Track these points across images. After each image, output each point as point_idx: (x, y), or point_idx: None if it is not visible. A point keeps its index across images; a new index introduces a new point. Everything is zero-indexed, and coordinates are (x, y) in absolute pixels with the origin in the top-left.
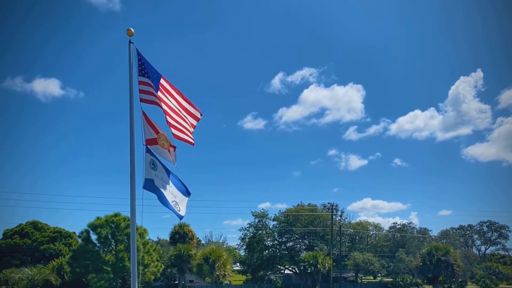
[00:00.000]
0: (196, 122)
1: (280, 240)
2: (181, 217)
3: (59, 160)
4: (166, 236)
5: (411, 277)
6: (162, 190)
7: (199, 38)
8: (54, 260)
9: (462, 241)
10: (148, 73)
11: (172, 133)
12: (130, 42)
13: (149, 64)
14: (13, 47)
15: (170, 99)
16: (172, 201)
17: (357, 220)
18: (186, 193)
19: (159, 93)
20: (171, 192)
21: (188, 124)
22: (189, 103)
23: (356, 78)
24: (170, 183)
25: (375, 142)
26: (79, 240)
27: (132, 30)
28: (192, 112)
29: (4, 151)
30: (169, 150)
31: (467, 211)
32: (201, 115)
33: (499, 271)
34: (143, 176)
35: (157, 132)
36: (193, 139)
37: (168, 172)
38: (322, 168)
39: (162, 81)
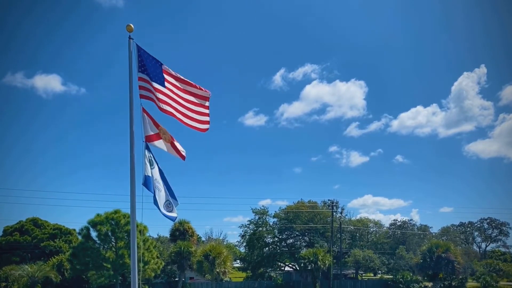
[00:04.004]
0: (207, 102)
1: (280, 237)
2: (174, 218)
3: (59, 156)
4: (166, 233)
5: (411, 274)
6: (156, 190)
7: (201, 34)
8: (54, 257)
9: (463, 238)
10: (148, 69)
11: (183, 122)
12: (130, 38)
13: (150, 57)
14: (14, 43)
15: (176, 90)
16: (166, 201)
17: (358, 217)
18: (175, 198)
19: (166, 86)
20: (164, 192)
21: (198, 111)
22: (194, 86)
23: (359, 74)
24: (162, 183)
25: (376, 139)
26: (79, 237)
27: (132, 26)
28: (200, 94)
29: (4, 147)
30: (171, 143)
31: (468, 208)
32: (209, 94)
33: (499, 268)
34: (143, 172)
35: (157, 126)
36: (207, 123)
37: (162, 173)
38: (323, 165)
39: (164, 72)
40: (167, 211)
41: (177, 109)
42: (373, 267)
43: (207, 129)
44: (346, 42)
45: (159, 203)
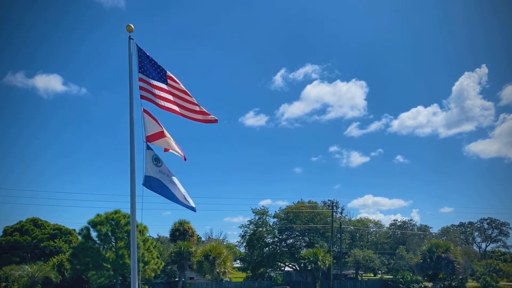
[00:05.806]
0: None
1: (280, 237)
2: (194, 209)
3: (60, 156)
4: (166, 233)
5: (411, 274)
6: (170, 185)
7: (202, 34)
8: (54, 257)
9: (463, 238)
10: (148, 69)
11: (188, 116)
12: (130, 38)
13: (152, 60)
14: (15, 42)
15: (179, 88)
16: (184, 192)
17: (358, 217)
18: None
19: (168, 84)
20: (179, 186)
21: (201, 110)
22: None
23: (359, 74)
24: (174, 177)
25: (377, 139)
26: (79, 237)
27: (132, 26)
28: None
29: (4, 147)
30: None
31: (468, 208)
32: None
33: (499, 268)
34: (143, 173)
35: (160, 126)
36: (212, 117)
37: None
38: (323, 165)
39: (168, 77)
40: (186, 202)
41: (181, 105)
42: (373, 267)
43: (216, 120)
44: (347, 42)
45: (177, 196)
